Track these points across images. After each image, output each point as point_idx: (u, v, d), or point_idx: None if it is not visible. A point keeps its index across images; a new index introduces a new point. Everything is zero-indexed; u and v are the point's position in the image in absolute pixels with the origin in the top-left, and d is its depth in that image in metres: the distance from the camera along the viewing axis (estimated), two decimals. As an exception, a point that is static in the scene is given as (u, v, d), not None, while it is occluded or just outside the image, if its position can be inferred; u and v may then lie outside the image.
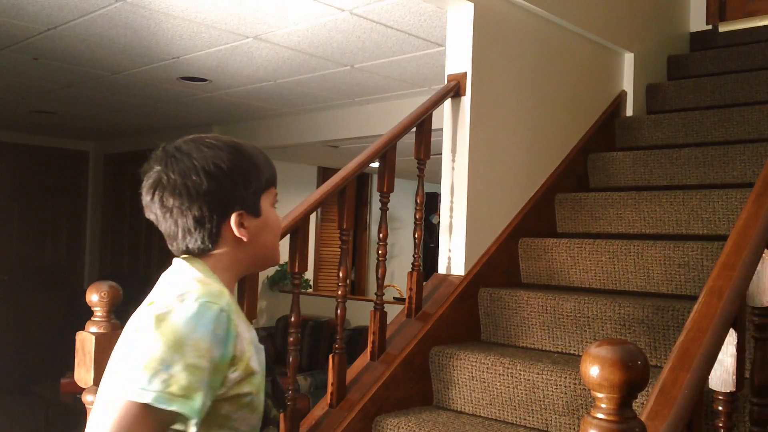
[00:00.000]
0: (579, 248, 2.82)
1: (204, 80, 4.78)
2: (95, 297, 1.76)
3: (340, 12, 3.34)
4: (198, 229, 1.19)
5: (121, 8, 3.36)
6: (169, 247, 1.25)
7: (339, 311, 2.40)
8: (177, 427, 1.08)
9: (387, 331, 2.55)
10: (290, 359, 2.27)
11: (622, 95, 3.74)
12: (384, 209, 2.55)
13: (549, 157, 3.23)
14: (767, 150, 2.93)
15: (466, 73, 2.75)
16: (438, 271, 2.80)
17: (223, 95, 5.28)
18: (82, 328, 1.77)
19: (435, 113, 2.69)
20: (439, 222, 2.91)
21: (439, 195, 2.84)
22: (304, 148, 6.53)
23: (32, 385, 5.80)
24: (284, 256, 2.28)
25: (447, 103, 2.78)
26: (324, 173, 7.80)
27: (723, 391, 1.43)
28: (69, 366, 1.95)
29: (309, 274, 7.45)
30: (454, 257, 2.75)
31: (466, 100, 2.74)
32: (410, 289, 2.62)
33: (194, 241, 1.20)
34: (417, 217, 2.64)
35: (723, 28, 4.28)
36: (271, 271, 7.04)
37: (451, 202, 2.76)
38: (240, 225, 1.21)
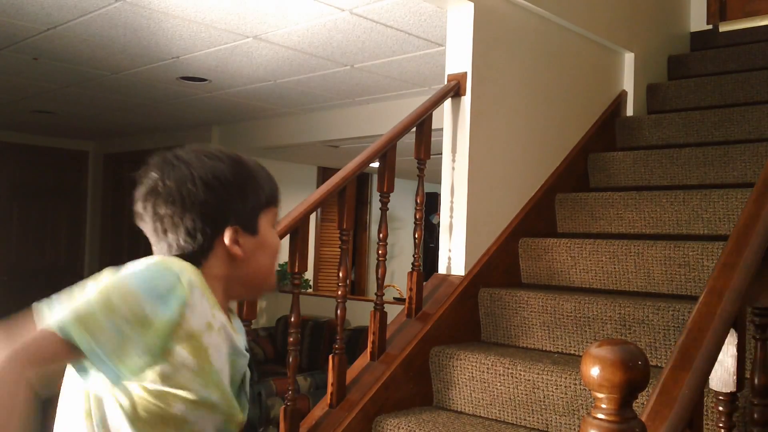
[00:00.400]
0: (579, 248, 2.82)
1: (204, 80, 4.78)
2: (95, 297, 1.75)
3: (340, 12, 3.33)
4: (189, 241, 1.13)
5: (120, 8, 3.36)
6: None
7: (339, 311, 2.40)
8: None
9: (387, 331, 2.55)
10: (290, 359, 2.27)
11: (623, 95, 3.74)
12: (384, 209, 2.55)
13: (549, 157, 3.23)
14: (767, 150, 2.93)
15: (466, 73, 2.75)
16: (438, 271, 2.80)
17: (223, 95, 5.28)
18: (82, 328, 1.76)
19: (435, 113, 2.69)
20: (439, 222, 2.90)
21: (439, 195, 2.84)
22: (304, 148, 6.53)
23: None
24: (284, 256, 2.28)
25: (447, 103, 2.77)
26: (324, 173, 7.80)
27: (723, 391, 1.42)
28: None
29: (309, 274, 7.44)
30: (454, 257, 2.75)
31: (466, 100, 2.74)
32: (410, 289, 2.61)
33: (191, 256, 1.13)
34: (417, 217, 2.64)
35: (723, 28, 4.27)
36: (271, 271, 7.03)
37: (451, 202, 2.75)
38: (234, 241, 1.15)
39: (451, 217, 2.75)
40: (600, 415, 0.97)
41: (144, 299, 1.01)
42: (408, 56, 4.03)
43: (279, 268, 7.02)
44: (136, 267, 1.06)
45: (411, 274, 2.61)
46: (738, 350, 1.40)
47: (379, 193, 2.56)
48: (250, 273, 1.19)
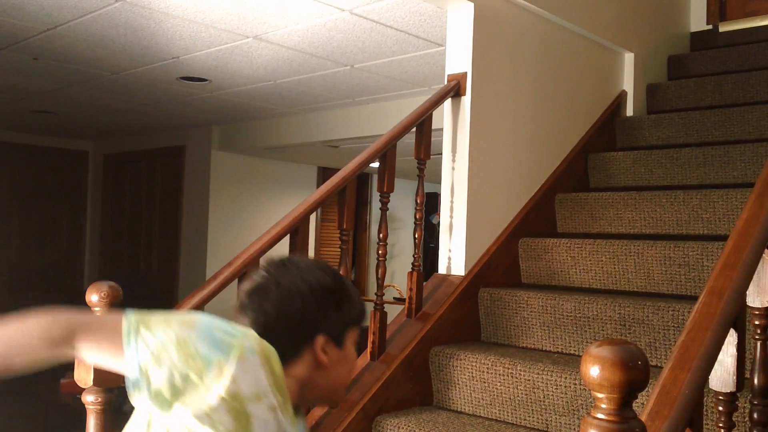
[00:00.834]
0: (579, 248, 2.82)
1: (204, 80, 4.78)
2: (95, 297, 1.76)
3: (340, 12, 3.33)
4: (286, 337, 1.22)
5: (121, 8, 3.36)
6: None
7: (339, 311, 2.40)
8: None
9: (387, 331, 2.55)
10: (290, 359, 2.27)
11: (623, 95, 3.74)
12: (384, 209, 2.55)
13: (549, 157, 3.23)
14: (767, 150, 2.93)
15: (466, 73, 2.75)
16: (438, 271, 2.80)
17: (223, 95, 5.28)
18: (82, 328, 1.76)
19: (435, 113, 2.69)
20: (439, 222, 2.90)
21: (439, 195, 2.84)
22: (304, 148, 6.52)
23: (32, 385, 5.80)
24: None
25: (447, 103, 2.77)
26: (324, 173, 7.80)
27: (723, 391, 1.43)
28: (69, 366, 1.95)
29: (309, 274, 7.44)
30: (454, 257, 2.75)
31: (466, 100, 2.74)
32: (410, 289, 2.61)
33: (282, 355, 1.19)
34: (417, 217, 2.64)
35: (723, 28, 4.27)
36: (271, 271, 7.04)
37: (451, 202, 2.76)
38: (323, 349, 1.25)
39: (451, 217, 2.75)
40: (600, 415, 0.97)
41: (200, 338, 1.10)
42: (408, 56, 4.03)
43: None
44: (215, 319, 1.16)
45: (411, 274, 2.61)
46: (738, 350, 1.40)
47: (379, 193, 2.56)
48: (328, 382, 1.28)
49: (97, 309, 1.76)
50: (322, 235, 7.76)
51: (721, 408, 1.43)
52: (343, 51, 3.96)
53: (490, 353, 2.44)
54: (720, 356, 1.37)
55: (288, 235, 2.24)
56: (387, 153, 2.54)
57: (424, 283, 2.70)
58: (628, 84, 3.77)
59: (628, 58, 3.76)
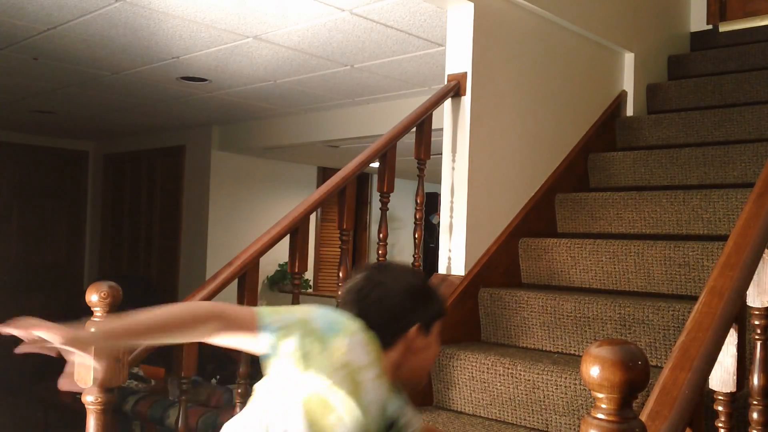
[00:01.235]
0: (579, 248, 2.82)
1: (204, 80, 4.78)
2: (95, 297, 1.76)
3: (340, 12, 3.33)
4: (384, 327, 1.44)
5: (121, 8, 3.36)
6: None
7: (339, 311, 2.40)
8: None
9: (387, 331, 2.54)
10: (290, 359, 2.27)
11: (623, 95, 3.74)
12: (384, 209, 2.55)
13: (549, 157, 3.23)
14: (767, 150, 2.93)
15: (466, 73, 2.75)
16: (438, 271, 2.80)
17: (223, 95, 5.28)
18: (82, 328, 1.76)
19: (435, 113, 2.69)
20: (439, 222, 2.90)
21: (439, 195, 2.84)
22: (304, 148, 6.52)
23: (32, 385, 5.80)
24: (284, 256, 2.28)
25: (447, 103, 2.77)
26: (324, 173, 7.80)
27: (723, 391, 1.43)
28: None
29: (309, 274, 7.45)
30: (454, 257, 2.75)
31: (466, 100, 2.74)
32: (410, 289, 2.61)
33: (382, 341, 1.42)
34: (417, 217, 2.64)
35: (723, 28, 4.27)
36: (271, 270, 7.05)
37: (451, 202, 2.76)
38: (415, 336, 1.48)
39: (451, 217, 2.75)
40: (600, 415, 0.97)
41: (318, 320, 1.36)
42: (408, 56, 4.03)
43: (279, 268, 7.04)
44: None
45: (411, 274, 2.61)
46: (738, 350, 1.40)
47: (379, 193, 2.56)
48: (416, 365, 1.51)
49: (96, 309, 1.76)
50: (322, 235, 7.76)
51: (721, 408, 1.43)
52: (343, 51, 3.96)
53: (490, 353, 2.44)
54: (720, 356, 1.37)
55: (288, 235, 2.24)
56: (387, 153, 2.54)
57: (424, 283, 2.69)
58: (628, 84, 3.77)
59: (628, 58, 3.76)
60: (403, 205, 8.26)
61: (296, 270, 2.26)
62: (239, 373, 2.17)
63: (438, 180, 2.84)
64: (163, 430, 4.06)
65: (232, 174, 6.95)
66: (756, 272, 1.51)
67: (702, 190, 2.84)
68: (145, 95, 5.36)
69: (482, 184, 2.80)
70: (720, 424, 1.44)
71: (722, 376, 1.41)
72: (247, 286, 2.14)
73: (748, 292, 1.50)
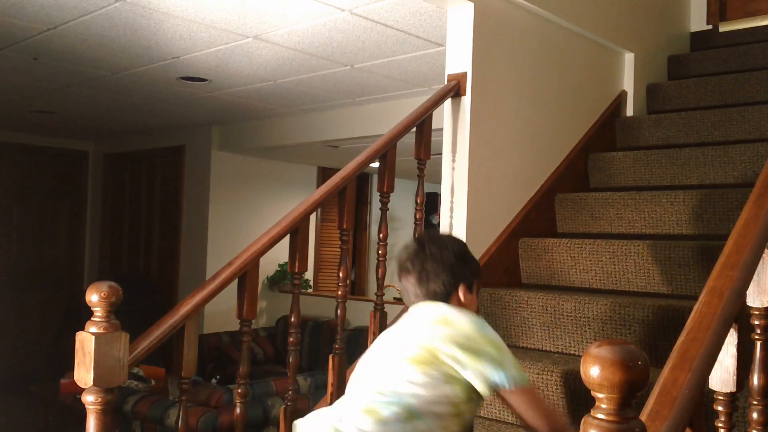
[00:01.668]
0: (579, 248, 2.82)
1: (204, 80, 4.79)
2: (95, 297, 1.75)
3: (340, 12, 3.34)
4: (441, 289, 1.82)
5: (120, 8, 3.36)
6: (412, 298, 1.86)
7: (339, 311, 2.40)
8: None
9: (387, 331, 2.54)
10: (290, 359, 2.27)
11: (623, 95, 3.74)
12: (384, 209, 2.55)
13: (549, 157, 3.23)
14: (767, 150, 2.93)
15: (466, 73, 2.75)
16: (438, 271, 2.79)
17: (223, 95, 5.28)
18: (82, 328, 1.76)
19: (435, 113, 2.69)
20: (439, 222, 2.90)
21: (439, 195, 2.84)
22: (304, 148, 6.53)
23: (32, 385, 5.80)
24: (284, 255, 2.28)
25: (447, 103, 2.77)
26: (324, 173, 7.80)
27: (723, 391, 1.42)
28: (69, 366, 1.95)
29: (309, 274, 7.45)
30: (454, 257, 2.74)
31: (466, 100, 2.74)
32: (410, 289, 2.61)
33: (436, 296, 1.82)
34: (417, 217, 2.64)
35: (723, 28, 4.28)
36: (271, 270, 7.05)
37: (451, 202, 2.76)
38: (463, 293, 1.84)
39: (451, 217, 2.75)
40: (600, 415, 0.97)
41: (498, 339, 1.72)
42: (408, 56, 4.03)
43: (279, 268, 7.04)
44: (479, 324, 1.72)
45: (411, 274, 2.61)
46: (738, 350, 1.40)
47: (379, 193, 2.56)
48: None
49: (97, 309, 1.76)
50: (322, 235, 7.76)
51: (721, 408, 1.43)
52: (343, 51, 3.97)
53: (490, 353, 2.43)
54: (720, 356, 1.37)
55: (288, 235, 2.24)
56: (387, 153, 2.54)
57: (424, 283, 2.69)
58: (628, 84, 3.77)
59: (628, 58, 3.76)
60: (403, 205, 8.27)
61: (296, 270, 2.26)
62: (239, 373, 2.17)
63: (438, 180, 2.84)
64: (163, 430, 4.06)
65: (232, 174, 6.96)
66: (756, 272, 1.51)
67: (702, 190, 2.84)
68: (145, 95, 5.36)
69: (482, 184, 2.80)
70: (720, 424, 1.44)
71: (722, 376, 1.41)
72: (247, 286, 2.14)
73: (748, 292, 1.50)
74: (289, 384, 2.28)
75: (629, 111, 3.76)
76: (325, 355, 6.13)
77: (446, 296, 1.81)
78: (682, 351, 1.27)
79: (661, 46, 4.08)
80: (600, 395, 0.96)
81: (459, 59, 2.78)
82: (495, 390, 1.64)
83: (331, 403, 2.34)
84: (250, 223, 6.94)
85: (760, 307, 1.54)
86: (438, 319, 1.72)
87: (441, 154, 2.81)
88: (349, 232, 2.41)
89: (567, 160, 3.31)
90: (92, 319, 1.77)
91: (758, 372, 1.51)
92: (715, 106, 3.53)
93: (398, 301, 6.03)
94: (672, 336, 2.28)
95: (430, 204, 6.25)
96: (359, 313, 6.14)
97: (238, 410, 2.16)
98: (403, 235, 8.38)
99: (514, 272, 2.97)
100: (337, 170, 2.46)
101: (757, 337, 1.53)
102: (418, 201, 2.66)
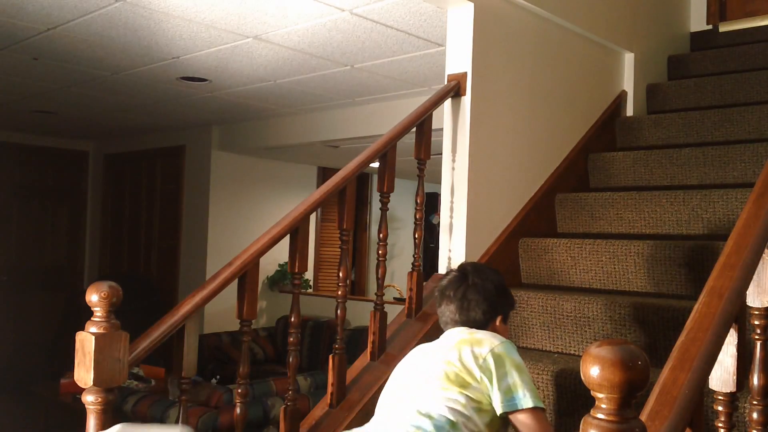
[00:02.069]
0: (579, 248, 2.82)
1: (204, 80, 4.79)
2: (95, 297, 1.75)
3: (340, 12, 3.34)
4: (480, 317, 1.96)
5: (121, 8, 3.36)
6: (448, 322, 2.00)
7: (339, 311, 2.40)
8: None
9: (387, 331, 2.55)
10: (290, 359, 2.27)
11: (623, 95, 3.74)
12: (384, 209, 2.55)
13: (549, 157, 3.23)
14: (767, 150, 2.93)
15: (466, 73, 2.75)
16: (438, 271, 2.80)
17: (223, 95, 5.28)
18: (82, 328, 1.77)
19: (435, 113, 2.69)
20: (439, 222, 2.90)
21: (439, 195, 2.84)
22: (304, 148, 6.53)
23: (32, 385, 5.81)
24: (284, 255, 2.28)
25: (447, 103, 2.77)
26: (324, 173, 7.80)
27: (723, 391, 1.42)
28: (69, 366, 1.95)
29: (309, 274, 7.45)
30: (454, 257, 2.75)
31: (466, 100, 2.74)
32: (410, 289, 2.61)
33: (475, 323, 1.95)
34: (417, 217, 2.64)
35: (723, 28, 4.28)
36: (271, 270, 7.05)
37: (451, 202, 2.76)
38: (499, 324, 1.99)
39: (451, 217, 2.75)
40: (600, 415, 0.97)
41: (522, 363, 1.81)
42: (408, 56, 4.03)
43: (279, 268, 7.04)
44: (508, 346, 1.81)
45: (411, 274, 2.61)
46: (738, 350, 1.40)
47: (379, 193, 2.56)
48: None
49: (97, 309, 1.76)
50: (322, 235, 7.76)
51: (721, 408, 1.43)
52: (343, 51, 3.97)
53: (490, 353, 2.43)
54: (720, 356, 1.37)
55: (288, 235, 2.24)
56: (387, 153, 2.53)
57: (424, 283, 2.70)
58: (628, 84, 3.77)
59: (628, 58, 3.76)
60: (403, 205, 8.27)
61: (296, 270, 2.26)
62: (239, 373, 2.17)
63: (438, 180, 2.84)
64: (163, 430, 4.05)
65: (232, 174, 6.96)
66: (756, 272, 1.51)
67: (702, 190, 2.84)
68: (145, 95, 5.36)
69: (482, 184, 2.80)
70: (720, 424, 1.44)
71: (722, 376, 1.41)
72: (247, 286, 2.14)
73: (747, 292, 1.50)
74: (289, 384, 2.28)
75: (629, 111, 3.76)
76: (325, 355, 6.13)
77: (484, 324, 1.95)
78: (682, 351, 1.27)
79: (661, 46, 4.08)
80: (600, 395, 0.96)
81: (459, 59, 2.78)
82: (511, 409, 1.71)
83: (331, 403, 2.35)
84: (250, 223, 6.94)
85: (760, 307, 1.54)
86: (472, 341, 1.82)
87: (441, 154, 2.81)
88: (349, 232, 2.41)
89: (567, 160, 3.31)
90: (92, 319, 1.77)
91: (758, 372, 1.51)
92: (715, 106, 3.53)
93: (398, 301, 6.03)
94: (672, 336, 2.28)
95: (430, 204, 6.26)
96: (359, 313, 6.14)
97: (238, 410, 2.17)
98: (402, 235, 8.39)
99: (514, 272, 2.97)
100: (337, 170, 2.46)
101: (757, 337, 1.53)
102: (418, 201, 2.65)
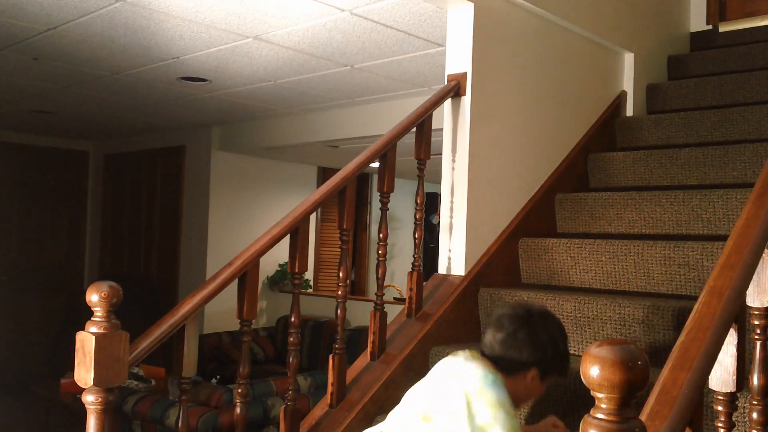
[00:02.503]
0: (579, 248, 2.82)
1: (204, 80, 4.79)
2: (95, 297, 1.75)
3: (340, 12, 3.34)
4: (516, 359, 1.82)
5: (120, 8, 3.36)
6: (484, 346, 1.89)
7: (339, 311, 2.40)
8: None
9: (387, 331, 2.55)
10: (290, 359, 2.27)
11: (623, 95, 3.74)
12: (384, 209, 2.55)
13: (549, 157, 3.23)
14: (767, 150, 2.93)
15: (466, 73, 2.75)
16: (438, 271, 2.80)
17: (223, 95, 5.28)
18: (82, 328, 1.76)
19: (435, 113, 2.69)
20: (439, 222, 2.90)
21: (439, 195, 2.84)
22: (304, 148, 6.53)
23: (32, 385, 5.80)
24: (284, 255, 2.28)
25: (447, 103, 2.77)
26: (324, 173, 7.80)
27: (723, 391, 1.43)
28: (69, 366, 1.95)
29: (309, 274, 7.45)
30: (454, 257, 2.75)
31: (466, 100, 2.74)
32: (410, 289, 2.61)
33: (506, 362, 1.83)
34: (417, 217, 2.64)
35: (723, 28, 4.28)
36: (271, 270, 7.05)
37: (451, 202, 2.76)
38: (532, 377, 1.84)
39: (451, 217, 2.75)
40: (600, 415, 0.97)
41: (509, 402, 1.73)
42: (408, 56, 4.04)
43: (279, 268, 7.04)
44: (490, 382, 1.74)
45: (411, 274, 2.61)
46: (738, 350, 1.40)
47: (379, 193, 2.56)
48: (521, 398, 1.88)
49: (97, 309, 1.76)
50: (322, 235, 7.76)
51: (721, 408, 1.43)
52: (343, 51, 3.97)
53: (490, 353, 2.43)
54: (720, 356, 1.37)
55: (288, 235, 2.24)
56: (387, 153, 2.54)
57: (424, 283, 2.70)
58: (628, 84, 3.77)
59: (628, 58, 3.76)
60: (403, 205, 8.28)
61: (296, 270, 2.26)
62: (239, 373, 2.17)
63: (438, 180, 2.84)
64: (163, 430, 4.06)
65: (232, 174, 6.96)
66: (756, 272, 1.51)
67: (702, 190, 2.84)
68: (145, 95, 5.36)
69: (482, 184, 2.80)
70: (720, 424, 1.44)
71: (722, 376, 1.41)
72: (247, 286, 2.14)
73: (747, 292, 1.50)
74: (289, 384, 2.28)
75: (629, 111, 3.76)
76: (325, 355, 6.13)
77: (515, 369, 1.82)
78: (682, 351, 1.27)
79: (661, 46, 4.08)
80: (600, 395, 0.96)
81: (459, 59, 2.78)
82: None
83: (331, 403, 2.35)
84: (250, 223, 6.94)
85: (760, 307, 1.54)
86: (458, 372, 1.80)
87: (441, 154, 2.81)
88: (349, 232, 2.41)
89: (567, 160, 3.31)
90: (92, 319, 1.76)
91: (758, 372, 1.51)
92: (715, 107, 3.53)
93: (398, 301, 6.03)
94: (672, 336, 2.28)
95: (430, 204, 6.26)
96: (359, 313, 6.15)
97: (238, 410, 2.17)
98: (402, 235, 8.39)
99: (514, 272, 2.97)
100: (337, 170, 2.46)
101: (756, 337, 1.53)
102: (418, 201, 2.65)
